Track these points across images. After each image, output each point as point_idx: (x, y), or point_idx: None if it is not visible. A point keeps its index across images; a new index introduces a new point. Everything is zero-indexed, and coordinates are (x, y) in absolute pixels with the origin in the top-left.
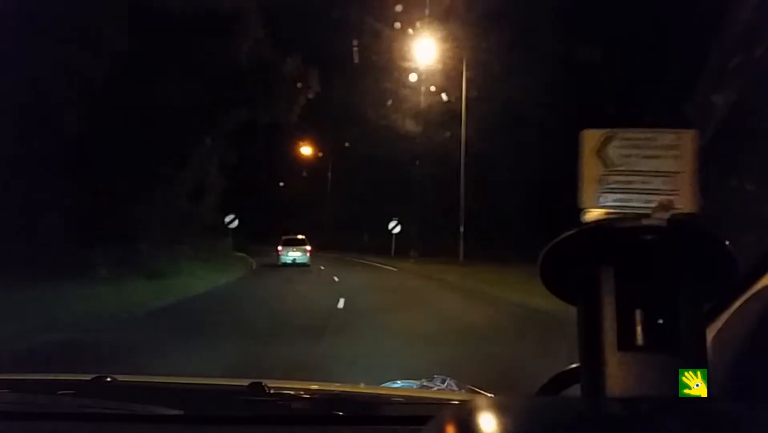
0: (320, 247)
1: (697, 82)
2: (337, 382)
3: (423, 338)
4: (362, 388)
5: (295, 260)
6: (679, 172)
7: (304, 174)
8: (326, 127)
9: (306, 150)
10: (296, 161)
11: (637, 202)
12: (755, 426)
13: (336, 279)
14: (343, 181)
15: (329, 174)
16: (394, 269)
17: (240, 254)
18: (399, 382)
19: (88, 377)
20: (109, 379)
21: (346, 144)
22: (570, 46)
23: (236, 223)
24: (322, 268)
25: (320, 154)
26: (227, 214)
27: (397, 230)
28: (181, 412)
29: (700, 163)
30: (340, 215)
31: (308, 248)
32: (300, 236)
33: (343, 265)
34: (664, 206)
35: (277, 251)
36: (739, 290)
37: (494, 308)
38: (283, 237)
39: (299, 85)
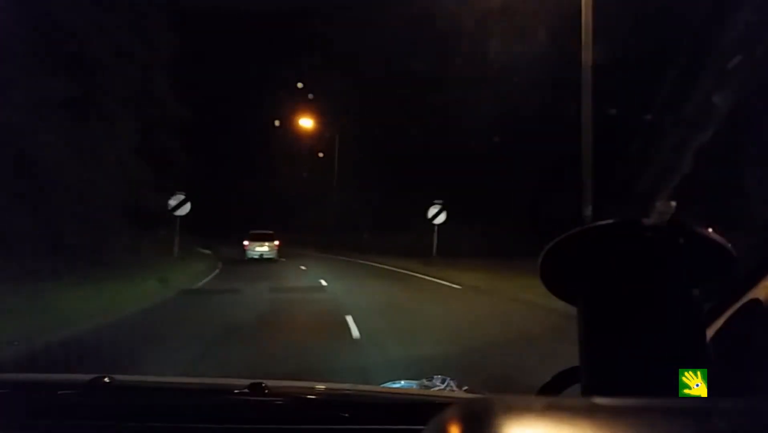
0: (323, 247)
1: (699, 81)
2: (337, 382)
3: None
4: (362, 388)
5: (262, 255)
6: None
7: (305, 174)
8: (332, 96)
9: (306, 123)
10: (296, 152)
11: None
12: (755, 426)
13: (354, 332)
14: (352, 169)
15: (336, 155)
16: (458, 287)
17: (206, 251)
18: (399, 382)
19: (87, 378)
20: (108, 379)
21: (348, 121)
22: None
23: (186, 208)
24: (324, 284)
25: (322, 154)
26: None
27: (441, 219)
28: (181, 412)
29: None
30: (352, 208)
31: (276, 242)
32: (267, 231)
33: (362, 276)
34: (663, 208)
35: (244, 246)
36: (739, 290)
37: None
38: (251, 232)
39: None
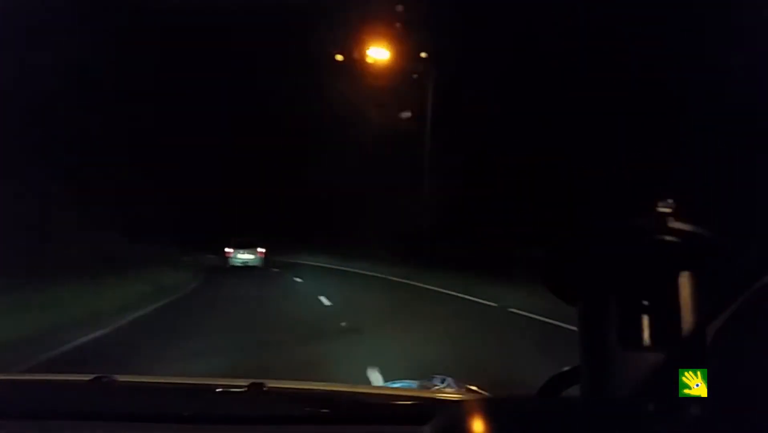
0: (418, 267)
1: (699, 82)
2: (337, 382)
3: None
4: (362, 388)
5: (246, 262)
6: None
7: (404, 115)
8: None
9: (380, 54)
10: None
11: None
12: (755, 427)
13: None
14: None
15: (429, 113)
16: None
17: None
18: (399, 382)
19: (87, 377)
20: (108, 379)
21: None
22: None
23: None
24: None
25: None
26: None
27: None
28: (181, 412)
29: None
30: (458, 201)
31: (261, 250)
32: (251, 238)
33: None
34: (664, 208)
35: (226, 253)
36: (739, 290)
37: None
38: (233, 238)
39: None
